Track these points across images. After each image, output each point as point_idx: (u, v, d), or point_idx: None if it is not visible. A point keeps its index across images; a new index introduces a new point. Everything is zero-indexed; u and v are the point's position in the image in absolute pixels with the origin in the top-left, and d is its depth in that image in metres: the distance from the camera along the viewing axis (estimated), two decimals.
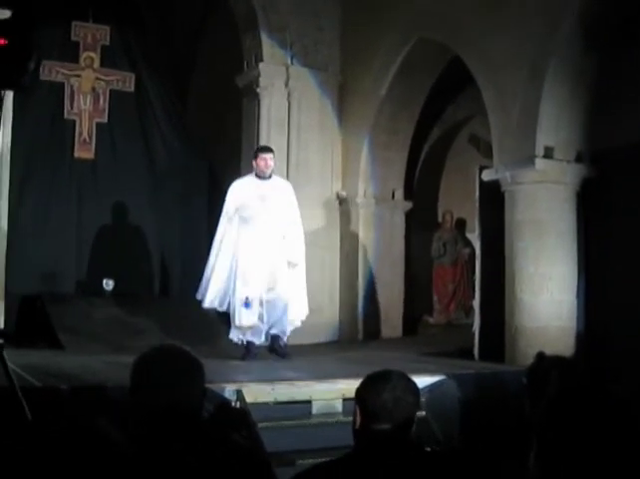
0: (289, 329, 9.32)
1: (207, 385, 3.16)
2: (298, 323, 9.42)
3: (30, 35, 3.89)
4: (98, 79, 12.73)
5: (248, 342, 9.16)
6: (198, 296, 9.44)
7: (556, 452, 2.13)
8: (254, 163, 9.36)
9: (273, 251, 9.10)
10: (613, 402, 2.22)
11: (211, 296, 9.30)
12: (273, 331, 9.21)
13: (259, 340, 9.20)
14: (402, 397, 3.09)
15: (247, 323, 9.04)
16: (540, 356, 3.93)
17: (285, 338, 9.35)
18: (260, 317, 9.06)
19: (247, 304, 9.00)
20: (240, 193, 9.28)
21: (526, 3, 9.50)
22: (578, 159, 9.53)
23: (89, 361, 8.68)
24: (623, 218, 9.29)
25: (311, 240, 10.28)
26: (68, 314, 10.88)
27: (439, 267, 14.54)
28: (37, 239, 11.92)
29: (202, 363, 3.08)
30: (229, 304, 9.19)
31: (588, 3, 8.93)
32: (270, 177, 9.35)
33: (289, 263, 9.21)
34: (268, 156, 9.32)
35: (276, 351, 9.21)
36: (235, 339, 9.21)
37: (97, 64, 12.74)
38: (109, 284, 12.05)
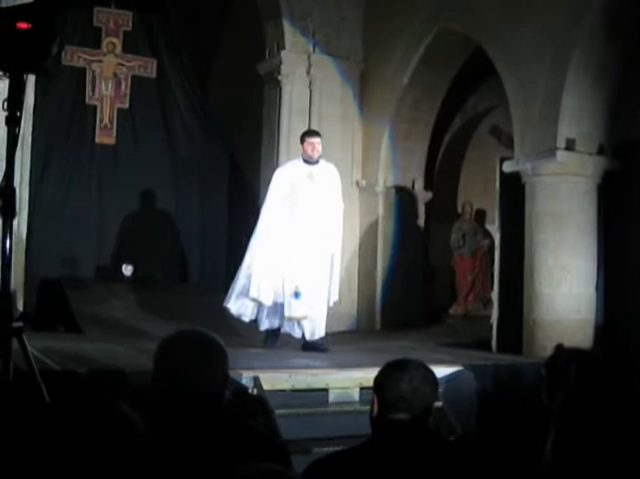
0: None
1: None
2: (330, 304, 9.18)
3: (53, 19, 3.89)
4: (119, 64, 12.75)
5: (275, 330, 9.04)
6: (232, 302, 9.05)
7: (574, 443, 2.13)
8: (301, 147, 9.06)
9: (319, 239, 8.87)
10: (632, 394, 2.22)
11: (262, 293, 8.81)
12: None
13: (293, 331, 9.04)
14: (420, 387, 3.09)
15: (297, 314, 8.83)
16: (559, 348, 3.92)
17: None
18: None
19: (297, 294, 8.75)
20: (287, 177, 9.01)
21: None
22: (600, 151, 9.49)
23: (107, 346, 8.70)
24: None
25: None
26: (87, 299, 10.92)
27: (458, 258, 14.50)
28: (57, 224, 11.97)
29: (224, 348, 3.08)
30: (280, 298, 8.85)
31: None
32: (317, 162, 9.05)
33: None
34: (316, 140, 9.00)
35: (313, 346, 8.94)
36: (264, 327, 9.04)
37: (119, 49, 12.75)
38: (128, 270, 12.09)
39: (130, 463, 1.84)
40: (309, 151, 8.95)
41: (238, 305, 8.96)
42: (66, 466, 1.77)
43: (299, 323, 8.93)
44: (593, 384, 2.31)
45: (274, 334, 9.11)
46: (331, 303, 9.17)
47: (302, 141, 9.10)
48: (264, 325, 9.04)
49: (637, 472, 2.09)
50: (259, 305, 8.91)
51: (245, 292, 8.87)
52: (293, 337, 9.09)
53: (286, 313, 8.82)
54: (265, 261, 8.82)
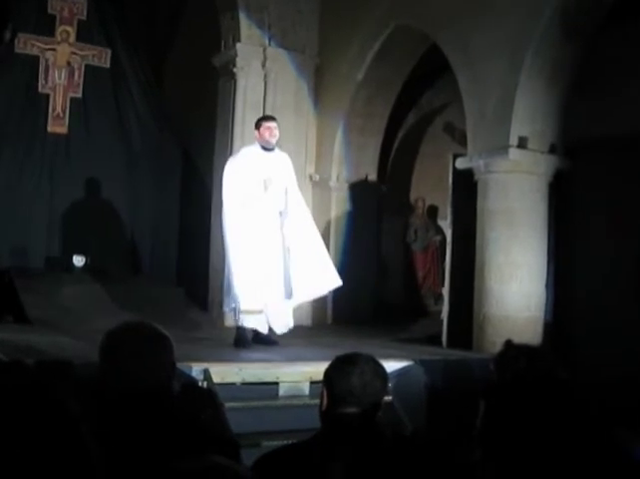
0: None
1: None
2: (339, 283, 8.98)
3: (5, 5, 3.86)
4: (73, 53, 12.63)
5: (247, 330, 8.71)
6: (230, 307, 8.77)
7: (494, 435, 2.20)
8: (257, 133, 8.77)
9: (278, 228, 8.65)
10: (560, 387, 2.27)
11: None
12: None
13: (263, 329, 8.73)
14: (370, 381, 3.10)
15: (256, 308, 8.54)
16: (508, 344, 3.95)
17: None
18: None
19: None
20: (240, 175, 8.62)
21: None
22: (552, 150, 9.56)
23: (56, 337, 8.64)
24: (593, 210, 9.38)
25: None
26: (37, 290, 10.83)
27: (410, 254, 14.60)
28: (7, 213, 11.85)
29: (171, 340, 3.07)
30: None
31: None
32: (274, 149, 8.79)
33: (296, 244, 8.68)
34: (273, 124, 8.76)
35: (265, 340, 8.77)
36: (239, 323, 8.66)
37: (73, 38, 12.64)
38: (79, 261, 12.00)
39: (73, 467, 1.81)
40: (266, 135, 8.69)
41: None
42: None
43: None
44: (521, 379, 2.37)
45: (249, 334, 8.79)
46: (332, 287, 9.02)
47: (258, 126, 8.81)
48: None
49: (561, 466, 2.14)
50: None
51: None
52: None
53: (243, 306, 8.47)
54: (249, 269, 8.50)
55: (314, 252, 8.80)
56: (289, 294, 8.73)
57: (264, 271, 8.52)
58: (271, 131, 8.70)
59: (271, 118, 9.11)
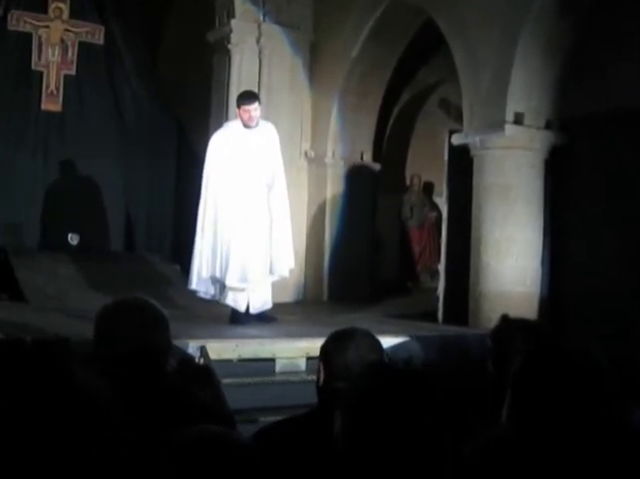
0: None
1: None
2: (286, 274, 8.93)
3: None
4: (66, 30, 12.56)
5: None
6: (194, 285, 8.68)
7: (530, 406, 2.21)
8: (237, 112, 8.58)
9: (258, 206, 8.53)
10: (586, 360, 2.29)
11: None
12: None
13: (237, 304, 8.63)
14: (366, 356, 3.10)
15: (236, 285, 8.48)
16: (505, 319, 3.95)
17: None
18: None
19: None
20: (221, 153, 8.56)
21: None
22: (547, 126, 9.57)
23: (52, 315, 8.64)
24: (589, 185, 9.37)
25: None
26: (32, 268, 10.81)
27: (406, 231, 14.63)
28: (2, 191, 11.81)
29: (166, 316, 3.07)
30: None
31: None
32: (257, 125, 8.53)
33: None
34: (251, 107, 8.42)
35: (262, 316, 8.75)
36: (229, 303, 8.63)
37: (66, 15, 12.57)
38: (74, 239, 12.00)
39: (91, 433, 1.82)
40: (245, 118, 8.47)
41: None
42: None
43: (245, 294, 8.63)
44: (548, 351, 2.37)
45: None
46: (286, 273, 8.92)
47: (238, 106, 8.59)
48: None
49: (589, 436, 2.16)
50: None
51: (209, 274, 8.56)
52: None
53: (227, 283, 8.46)
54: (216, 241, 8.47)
55: (277, 234, 8.69)
56: (271, 270, 8.70)
57: (248, 247, 8.44)
58: (249, 114, 8.42)
59: (250, 99, 8.59)
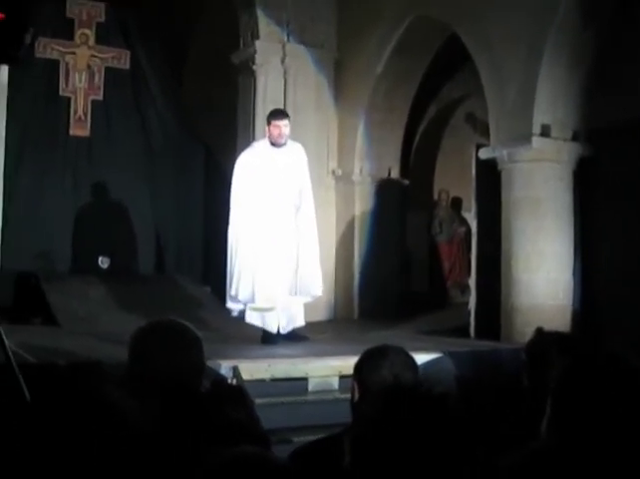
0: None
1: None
2: (319, 293, 8.89)
3: (26, 8, 3.86)
4: (93, 56, 12.66)
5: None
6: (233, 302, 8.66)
7: (571, 419, 2.20)
8: (267, 129, 8.56)
9: (287, 226, 8.51)
10: (627, 370, 2.28)
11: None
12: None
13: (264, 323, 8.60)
14: (401, 373, 3.08)
15: (265, 306, 8.46)
16: (540, 332, 3.93)
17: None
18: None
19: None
20: (249, 172, 8.53)
21: None
22: (575, 137, 9.54)
23: (84, 338, 8.67)
24: (618, 196, 9.31)
25: None
26: (63, 292, 10.86)
27: (435, 246, 14.60)
28: (32, 217, 11.89)
29: (201, 337, 3.07)
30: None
31: None
32: (285, 144, 8.53)
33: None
34: (282, 123, 8.45)
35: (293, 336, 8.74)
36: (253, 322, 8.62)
37: (92, 41, 12.67)
38: (104, 262, 12.06)
39: (126, 454, 1.82)
40: (275, 135, 8.47)
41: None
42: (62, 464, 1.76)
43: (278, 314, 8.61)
44: (589, 361, 2.36)
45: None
46: (319, 291, 8.88)
47: (268, 122, 8.62)
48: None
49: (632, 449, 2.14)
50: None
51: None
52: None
53: (253, 303, 8.45)
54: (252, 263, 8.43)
55: (304, 255, 8.66)
56: (298, 291, 8.66)
57: (275, 267, 8.44)
58: (280, 130, 8.45)
59: (281, 116, 8.68)
